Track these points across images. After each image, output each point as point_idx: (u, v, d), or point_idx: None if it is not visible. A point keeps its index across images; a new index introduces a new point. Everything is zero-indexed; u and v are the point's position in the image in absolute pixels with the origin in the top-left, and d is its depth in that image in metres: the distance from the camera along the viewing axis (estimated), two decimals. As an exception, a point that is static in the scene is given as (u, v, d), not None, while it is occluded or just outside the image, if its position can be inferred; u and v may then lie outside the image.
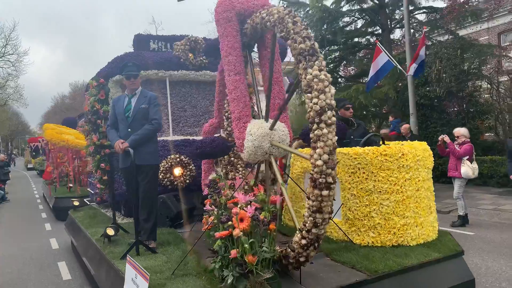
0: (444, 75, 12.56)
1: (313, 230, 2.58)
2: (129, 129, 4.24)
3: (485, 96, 14.00)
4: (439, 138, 7.37)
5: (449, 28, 15.43)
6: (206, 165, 4.90)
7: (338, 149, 3.28)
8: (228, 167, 4.29)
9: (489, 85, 13.71)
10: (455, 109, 13.52)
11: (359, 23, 17.44)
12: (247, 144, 3.21)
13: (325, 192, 2.46)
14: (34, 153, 32.18)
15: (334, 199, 2.57)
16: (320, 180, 2.45)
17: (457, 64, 12.59)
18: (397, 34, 18.34)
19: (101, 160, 5.58)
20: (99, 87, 5.58)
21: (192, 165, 5.62)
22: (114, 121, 4.39)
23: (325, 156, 2.42)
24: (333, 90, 2.51)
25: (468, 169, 7.08)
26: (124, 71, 4.37)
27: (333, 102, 2.48)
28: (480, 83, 13.73)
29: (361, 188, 3.66)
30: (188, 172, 5.56)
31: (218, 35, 3.59)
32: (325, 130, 2.42)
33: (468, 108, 13.33)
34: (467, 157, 7.13)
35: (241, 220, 2.81)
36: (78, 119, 18.00)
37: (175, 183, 5.52)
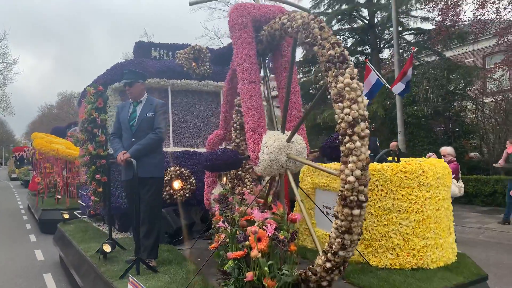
0: (431, 95, 12.89)
1: (340, 253, 2.36)
2: (133, 139, 4.00)
3: (471, 116, 14.45)
4: (426, 156, 7.37)
5: (436, 50, 16.08)
6: (209, 179, 4.66)
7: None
8: (235, 181, 4.06)
9: (474, 106, 14.17)
10: (442, 128, 13.98)
11: (349, 42, 18.06)
12: (263, 157, 3.00)
13: (356, 211, 2.25)
14: (18, 163, 31.36)
15: (364, 219, 2.37)
16: (351, 198, 2.24)
17: (444, 84, 12.96)
18: (385, 53, 19.17)
19: (96, 171, 5.30)
20: (97, 94, 5.34)
21: (193, 178, 5.36)
22: (118, 128, 4.14)
23: (358, 172, 2.22)
24: (366, 100, 2.33)
25: (455, 187, 6.92)
26: (123, 78, 4.16)
27: (366, 113, 2.30)
28: (465, 104, 14.14)
29: (379, 207, 3.46)
30: (188, 186, 5.30)
31: (232, 41, 3.40)
32: (358, 143, 2.23)
33: (454, 127, 13.74)
34: (454, 175, 7.00)
35: (259, 239, 2.57)
36: (67, 129, 17.67)
37: (174, 197, 5.25)
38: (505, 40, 13.23)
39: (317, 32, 2.49)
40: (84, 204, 6.68)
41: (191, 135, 5.72)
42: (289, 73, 3.07)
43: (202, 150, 5.55)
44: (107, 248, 4.08)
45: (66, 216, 6.66)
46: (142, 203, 3.95)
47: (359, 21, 17.46)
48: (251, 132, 3.12)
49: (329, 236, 2.43)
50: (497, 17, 12.91)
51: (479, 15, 13.12)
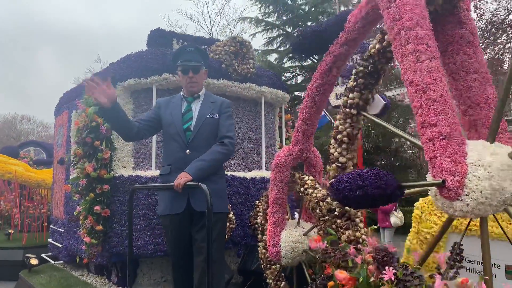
0: (372, 131, 14.29)
1: None
2: (188, 151, 2.59)
3: (409, 152, 16.26)
4: None
5: (377, 89, 17.12)
6: (276, 215, 3.22)
7: None
8: (339, 221, 2.70)
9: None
10: (382, 162, 15.39)
11: (300, 78, 19.37)
12: (476, 184, 1.69)
13: None
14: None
15: None
16: None
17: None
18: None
19: (96, 201, 3.71)
20: (102, 93, 3.81)
21: (231, 213, 3.91)
22: (147, 121, 2.80)
23: None
24: None
25: (396, 219, 7.85)
26: (180, 59, 2.76)
27: None
28: (403, 140, 15.52)
29: None
30: (228, 224, 3.83)
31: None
32: None
33: (394, 162, 15.13)
34: (394, 207, 7.84)
35: None
36: (20, 149, 15.33)
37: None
38: None
39: None
40: (61, 246, 4.93)
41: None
42: None
43: (240, 174, 4.13)
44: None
45: (34, 261, 4.88)
46: (196, 251, 2.56)
47: (308, 59, 18.48)
48: (443, 141, 1.81)
49: None
50: None
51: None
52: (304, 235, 3.11)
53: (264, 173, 4.30)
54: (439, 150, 1.82)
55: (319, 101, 2.98)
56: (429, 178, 2.02)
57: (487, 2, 13.21)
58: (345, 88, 2.68)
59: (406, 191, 1.98)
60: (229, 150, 2.67)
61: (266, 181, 4.23)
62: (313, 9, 18.36)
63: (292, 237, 3.08)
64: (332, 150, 2.72)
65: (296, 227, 3.20)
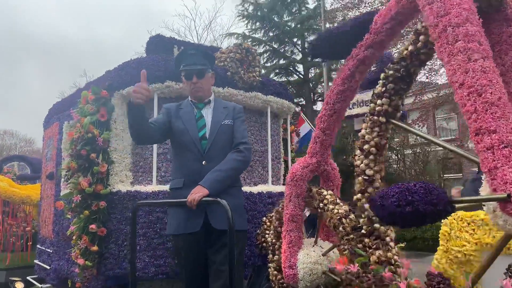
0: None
1: None
2: (204, 161, 2.34)
3: (394, 166, 16.60)
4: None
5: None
6: (293, 233, 2.95)
7: None
8: (367, 240, 2.45)
9: (396, 157, 16.48)
10: None
11: None
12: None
13: None
14: None
15: None
16: None
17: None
18: (319, 106, 21.47)
19: (91, 219, 3.40)
20: (99, 102, 3.55)
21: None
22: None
23: None
24: None
25: None
26: (183, 63, 2.51)
27: None
28: (390, 155, 16.19)
29: None
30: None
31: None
32: None
33: None
34: None
35: None
36: (3, 164, 14.73)
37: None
38: (420, 99, 15.55)
39: None
40: (49, 268, 4.56)
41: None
42: None
43: (246, 188, 3.86)
44: None
45: (20, 286, 4.49)
46: (213, 275, 2.28)
47: (295, 75, 19.37)
48: (505, 149, 1.59)
49: None
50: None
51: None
52: (323, 255, 2.85)
53: (271, 187, 4.04)
54: (501, 159, 1.60)
55: (340, 108, 2.76)
56: (484, 191, 1.80)
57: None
58: (372, 94, 2.47)
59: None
60: (246, 157, 2.44)
61: (273, 196, 3.98)
62: (299, 25, 18.91)
63: (311, 258, 2.81)
64: (358, 162, 2.49)
65: (313, 246, 2.94)
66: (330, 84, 16.53)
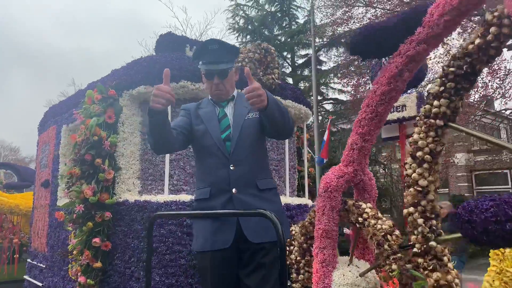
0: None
1: None
2: (232, 166, 2.03)
3: (382, 180, 16.15)
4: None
5: (351, 118, 17.58)
6: (326, 252, 2.63)
7: None
8: (421, 260, 2.14)
9: (383, 171, 16.41)
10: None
11: None
12: None
13: None
14: None
15: None
16: None
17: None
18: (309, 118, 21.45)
19: (94, 231, 3.04)
20: (106, 102, 3.23)
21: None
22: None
23: None
24: None
25: None
26: (202, 59, 2.19)
27: None
28: (377, 169, 16.12)
29: None
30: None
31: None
32: None
33: None
34: None
35: None
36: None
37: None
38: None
39: None
40: (42, 285, 4.15)
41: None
42: None
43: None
44: None
45: (8, 304, 4.07)
46: None
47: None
48: None
49: None
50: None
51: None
52: (360, 275, 2.54)
53: (288, 199, 3.73)
54: None
55: (382, 112, 2.47)
56: None
57: (453, 38, 13.56)
58: (427, 95, 2.20)
59: None
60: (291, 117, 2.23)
61: (291, 208, 3.67)
62: (289, 39, 18.98)
63: (347, 279, 2.49)
64: (409, 171, 2.20)
65: (348, 265, 2.63)
66: (319, 97, 16.67)
